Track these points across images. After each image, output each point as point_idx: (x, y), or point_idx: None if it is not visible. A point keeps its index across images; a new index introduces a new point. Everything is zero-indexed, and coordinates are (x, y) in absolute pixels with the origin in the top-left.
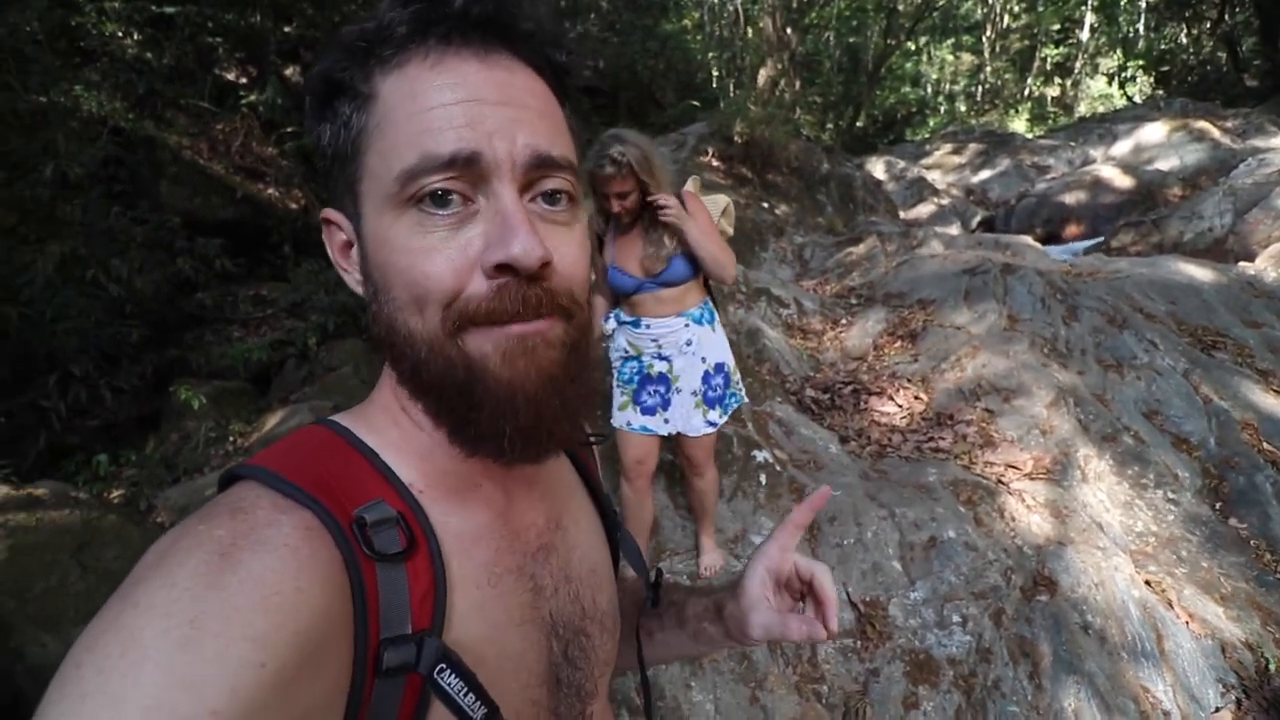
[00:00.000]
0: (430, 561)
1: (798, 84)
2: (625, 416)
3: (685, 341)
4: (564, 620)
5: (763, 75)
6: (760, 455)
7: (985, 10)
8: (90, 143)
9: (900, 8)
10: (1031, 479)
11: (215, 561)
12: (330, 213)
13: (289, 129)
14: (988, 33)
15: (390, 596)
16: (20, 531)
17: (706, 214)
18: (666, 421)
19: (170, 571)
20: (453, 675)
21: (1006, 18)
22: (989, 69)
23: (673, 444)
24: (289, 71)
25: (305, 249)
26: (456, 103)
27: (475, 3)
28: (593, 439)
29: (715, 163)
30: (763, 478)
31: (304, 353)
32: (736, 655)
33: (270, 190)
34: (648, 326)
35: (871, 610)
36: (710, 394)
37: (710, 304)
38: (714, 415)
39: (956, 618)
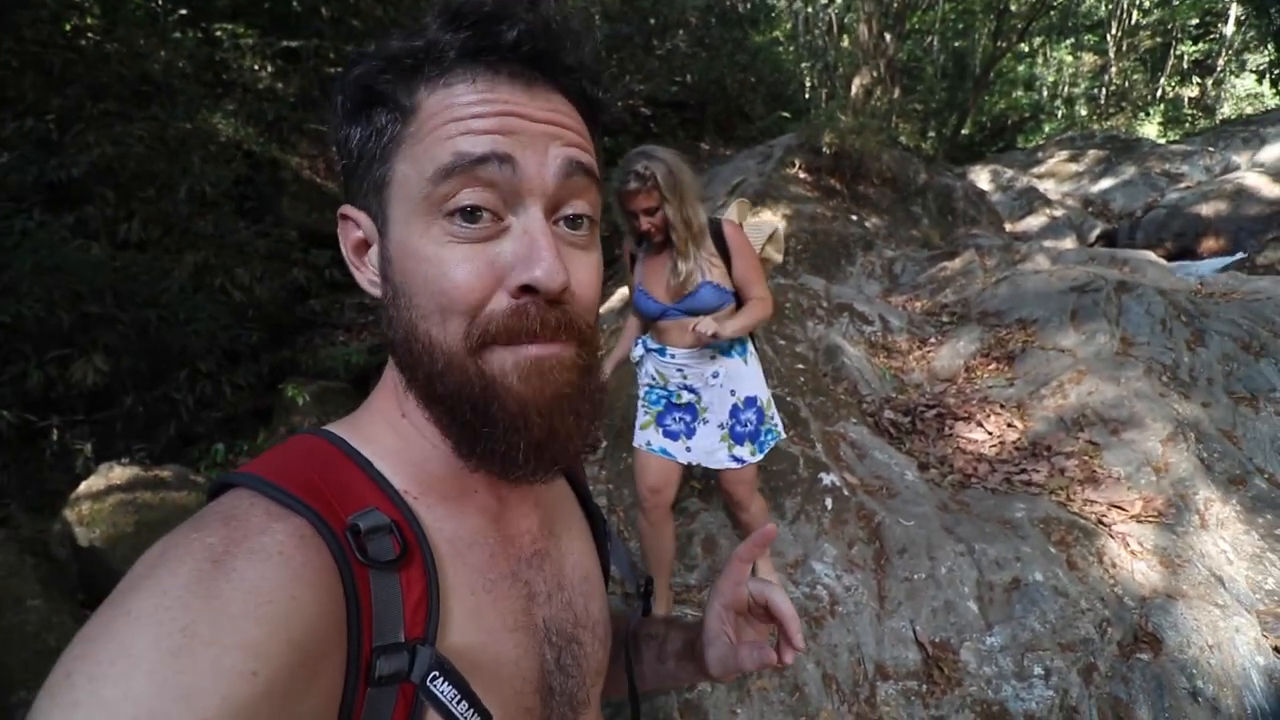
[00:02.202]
0: (423, 569)
1: (896, 92)
2: (645, 436)
3: (712, 374)
4: (557, 627)
5: (856, 84)
6: (828, 478)
7: (1110, 6)
8: (225, 164)
9: (1013, 8)
10: (1139, 522)
11: (208, 569)
12: (349, 209)
13: None
14: (1113, 30)
15: (383, 604)
16: (146, 508)
17: (749, 249)
18: (688, 450)
19: (162, 580)
20: (446, 683)
21: (1135, 14)
22: (1114, 69)
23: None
24: None
25: None
26: (495, 114)
27: (527, 37)
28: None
29: (802, 174)
30: (828, 502)
31: None
32: (788, 686)
33: None
34: (673, 356)
35: (940, 653)
36: (738, 429)
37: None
38: (742, 451)
39: (1039, 669)
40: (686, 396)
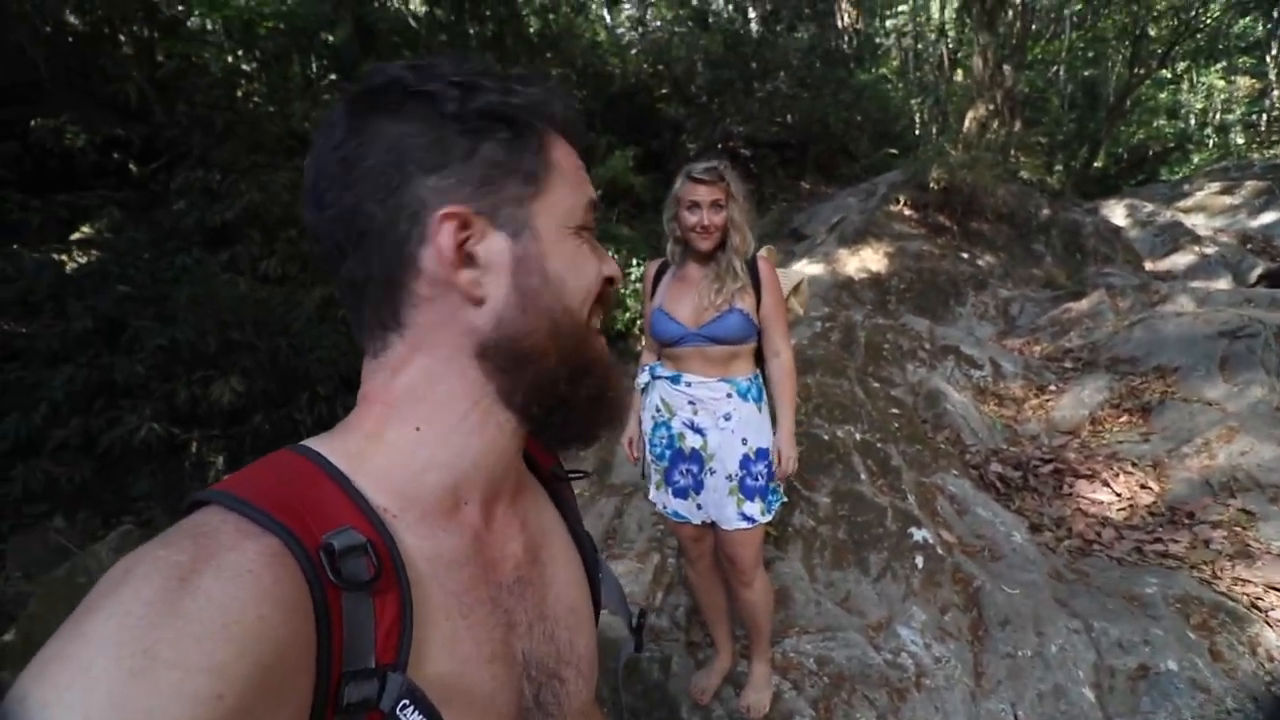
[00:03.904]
0: (399, 592)
1: (1017, 124)
2: (660, 498)
3: (724, 415)
4: (537, 661)
5: (970, 117)
6: (919, 534)
7: (1269, 26)
8: None
9: (1151, 33)
10: None
11: (174, 587)
12: (464, 211)
13: None
14: (1274, 51)
15: (355, 627)
16: None
17: (780, 289)
18: (699, 507)
19: (125, 598)
20: (416, 713)
21: None
22: (1276, 93)
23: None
24: None
25: None
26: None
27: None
28: (573, 475)
29: (908, 211)
30: (919, 560)
31: None
32: None
33: None
34: (688, 385)
35: None
36: (749, 482)
37: (761, 379)
38: (752, 509)
39: None
40: (691, 439)
